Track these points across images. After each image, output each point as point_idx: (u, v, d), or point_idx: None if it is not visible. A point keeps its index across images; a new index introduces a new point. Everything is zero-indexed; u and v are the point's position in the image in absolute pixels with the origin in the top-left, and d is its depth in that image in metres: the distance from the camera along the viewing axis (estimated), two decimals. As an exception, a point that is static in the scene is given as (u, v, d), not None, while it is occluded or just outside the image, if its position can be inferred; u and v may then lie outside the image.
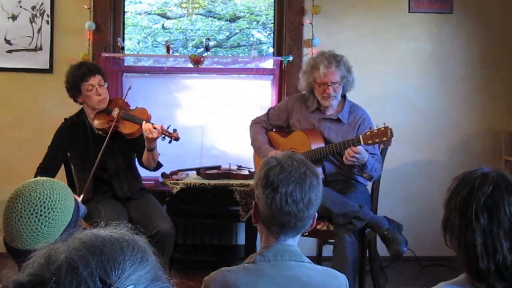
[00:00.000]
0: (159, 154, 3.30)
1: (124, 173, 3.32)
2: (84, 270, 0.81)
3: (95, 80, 3.21)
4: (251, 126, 3.59)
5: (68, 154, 3.35)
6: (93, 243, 0.86)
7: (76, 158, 3.30)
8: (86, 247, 0.86)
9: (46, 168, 3.22)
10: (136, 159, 3.41)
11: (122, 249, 0.87)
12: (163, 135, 3.12)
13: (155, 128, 3.09)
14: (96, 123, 3.25)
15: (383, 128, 2.97)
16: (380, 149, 3.39)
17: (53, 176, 3.17)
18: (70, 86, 3.25)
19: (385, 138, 2.96)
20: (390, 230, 2.98)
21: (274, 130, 3.57)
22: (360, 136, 3.03)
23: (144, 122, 3.13)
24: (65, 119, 3.38)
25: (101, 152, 3.10)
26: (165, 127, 3.13)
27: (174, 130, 3.15)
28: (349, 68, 3.32)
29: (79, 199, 2.94)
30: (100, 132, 3.24)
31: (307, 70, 3.34)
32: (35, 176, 3.11)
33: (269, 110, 3.62)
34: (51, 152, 3.28)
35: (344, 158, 3.07)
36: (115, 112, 3.23)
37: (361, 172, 3.21)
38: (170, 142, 3.17)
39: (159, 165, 3.37)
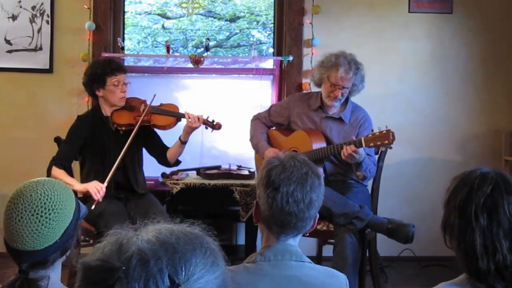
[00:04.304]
0: None
1: (137, 169, 3.38)
2: (155, 265, 0.80)
3: (122, 77, 3.29)
4: (251, 121, 3.62)
5: (82, 148, 3.34)
6: (167, 239, 0.85)
7: (94, 153, 3.30)
8: (159, 241, 0.84)
9: (61, 158, 3.21)
10: (156, 158, 3.47)
11: (195, 250, 0.85)
12: (206, 125, 3.32)
13: (198, 118, 3.26)
14: (119, 118, 3.30)
15: (385, 131, 2.97)
16: (380, 151, 3.40)
17: (68, 166, 3.23)
18: (96, 77, 3.27)
19: (386, 141, 2.96)
20: (392, 222, 2.98)
21: (275, 128, 3.58)
22: (362, 139, 3.04)
23: (184, 114, 3.29)
24: (79, 116, 3.40)
25: (105, 184, 3.09)
26: (205, 118, 3.31)
27: (213, 121, 3.34)
28: (363, 78, 3.35)
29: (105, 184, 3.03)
30: (123, 128, 3.28)
31: (326, 65, 3.33)
32: (49, 167, 3.15)
33: (271, 107, 3.65)
34: (68, 144, 3.27)
35: (342, 153, 3.08)
36: (142, 107, 3.33)
37: (356, 170, 3.23)
38: (212, 131, 3.38)
39: (178, 161, 3.47)
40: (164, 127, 3.36)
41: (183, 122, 3.34)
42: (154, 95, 3.36)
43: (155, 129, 3.42)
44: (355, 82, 3.31)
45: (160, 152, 3.43)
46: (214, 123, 3.34)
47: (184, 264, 0.83)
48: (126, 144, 3.17)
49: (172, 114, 3.35)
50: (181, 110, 3.39)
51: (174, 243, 0.84)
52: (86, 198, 3.19)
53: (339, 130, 3.36)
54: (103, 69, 3.27)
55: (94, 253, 0.85)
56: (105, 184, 3.09)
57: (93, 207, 3.00)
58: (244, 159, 3.99)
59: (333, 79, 3.27)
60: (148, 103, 3.36)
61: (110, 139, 3.30)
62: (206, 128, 3.35)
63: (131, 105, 3.36)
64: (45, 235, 1.46)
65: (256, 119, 3.60)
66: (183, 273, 0.82)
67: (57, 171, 3.15)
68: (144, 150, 3.48)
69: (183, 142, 3.33)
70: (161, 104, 3.42)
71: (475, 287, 1.38)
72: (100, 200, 3.04)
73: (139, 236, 0.85)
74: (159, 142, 3.45)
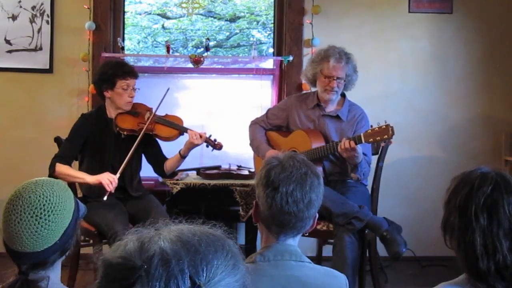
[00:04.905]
0: None
1: (134, 174, 3.37)
2: (176, 265, 0.80)
3: (133, 82, 3.28)
4: (250, 126, 3.61)
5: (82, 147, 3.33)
6: (189, 240, 0.84)
7: (93, 153, 3.29)
8: (181, 242, 0.84)
9: (63, 157, 3.20)
10: (152, 166, 3.47)
11: (216, 252, 0.85)
12: (207, 144, 3.32)
13: (200, 135, 3.24)
14: (123, 122, 3.28)
15: (384, 126, 2.97)
16: (381, 147, 3.40)
17: (70, 163, 3.22)
18: (106, 78, 3.26)
19: (386, 136, 2.97)
20: (389, 231, 2.99)
21: (273, 130, 3.58)
22: (361, 134, 3.04)
23: (187, 129, 3.28)
24: (83, 114, 3.40)
25: (118, 175, 3.13)
26: (207, 136, 3.30)
27: (215, 140, 3.34)
28: (355, 68, 3.37)
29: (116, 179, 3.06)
30: (125, 132, 3.26)
31: (317, 59, 3.36)
32: (52, 164, 3.14)
33: (268, 110, 3.64)
34: (70, 142, 3.27)
35: (339, 146, 3.08)
36: (147, 115, 3.31)
37: (351, 171, 3.24)
38: (212, 150, 3.38)
39: (174, 173, 3.49)
40: (166, 139, 3.35)
41: (185, 136, 3.32)
42: (168, 89, 3.36)
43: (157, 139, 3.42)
44: (348, 72, 3.31)
45: (157, 161, 3.42)
46: (216, 143, 3.34)
47: (205, 266, 0.82)
48: (131, 152, 3.17)
49: (176, 127, 3.34)
50: (185, 123, 3.39)
51: (196, 244, 0.84)
52: (86, 198, 3.19)
53: (336, 127, 3.36)
54: (115, 70, 3.26)
55: (115, 250, 0.85)
56: (118, 175, 3.12)
57: (105, 198, 3.06)
58: (244, 159, 3.99)
59: (326, 71, 3.29)
60: (154, 110, 3.33)
61: (111, 141, 3.29)
62: (207, 146, 3.35)
63: (137, 111, 3.34)
64: (45, 237, 1.46)
65: (255, 123, 3.60)
66: (204, 275, 0.81)
67: (62, 167, 3.15)
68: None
69: (182, 156, 3.32)
70: (166, 115, 3.41)
71: (475, 287, 1.38)
72: (113, 191, 3.08)
73: (161, 236, 0.85)
74: (158, 151, 3.44)
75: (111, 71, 3.26)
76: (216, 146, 3.35)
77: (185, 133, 3.32)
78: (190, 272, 0.80)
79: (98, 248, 3.13)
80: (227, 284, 0.84)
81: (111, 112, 3.32)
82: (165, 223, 0.90)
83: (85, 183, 3.18)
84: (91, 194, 3.23)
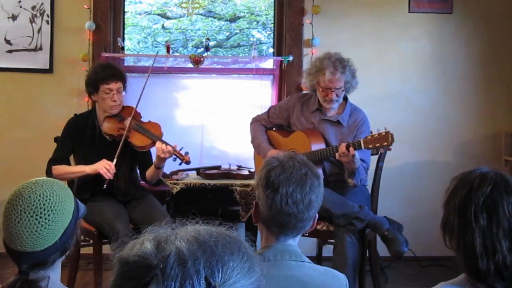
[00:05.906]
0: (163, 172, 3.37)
1: (123, 180, 3.30)
2: (192, 266, 0.80)
3: (115, 85, 3.19)
4: (251, 123, 3.60)
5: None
6: (206, 241, 0.84)
7: (80, 155, 3.30)
8: (198, 242, 0.84)
9: (57, 159, 3.22)
10: (139, 172, 3.42)
11: (232, 254, 0.85)
12: (175, 156, 3.17)
13: (168, 148, 3.12)
14: (106, 126, 3.25)
15: (384, 133, 2.96)
16: (380, 153, 3.39)
17: (65, 164, 3.24)
18: (90, 82, 3.24)
19: (385, 143, 2.95)
20: (390, 231, 2.99)
21: (274, 129, 3.57)
22: (361, 140, 3.03)
23: (158, 140, 3.17)
24: (75, 114, 3.39)
25: (114, 161, 3.12)
26: (178, 148, 3.17)
27: (186, 153, 3.20)
28: (353, 73, 3.30)
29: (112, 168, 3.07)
30: (107, 137, 3.24)
31: (312, 72, 3.32)
32: (48, 168, 3.17)
33: (270, 108, 3.63)
34: (61, 144, 3.29)
35: (336, 154, 3.07)
36: (127, 121, 3.23)
37: (348, 177, 3.23)
38: (180, 164, 3.24)
39: (159, 181, 3.44)
40: (140, 148, 3.24)
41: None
42: (146, 80, 3.31)
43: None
44: (346, 79, 3.26)
45: (143, 168, 3.37)
46: (183, 156, 3.18)
47: (221, 267, 0.82)
48: (115, 158, 3.14)
49: (149, 136, 3.22)
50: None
51: (212, 245, 0.84)
52: (84, 199, 3.18)
53: (336, 132, 3.34)
54: (97, 74, 3.21)
55: (132, 248, 0.85)
56: (114, 161, 3.12)
57: (105, 186, 3.08)
58: (244, 159, 3.99)
59: (323, 84, 3.25)
60: (132, 115, 3.23)
61: (97, 143, 3.27)
62: (174, 160, 3.20)
63: (122, 115, 3.27)
64: (45, 236, 1.46)
65: (256, 121, 3.59)
66: (220, 276, 0.82)
67: (58, 169, 3.18)
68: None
69: (156, 167, 3.23)
70: (147, 122, 3.32)
71: (475, 287, 1.38)
72: (112, 178, 3.09)
73: (178, 236, 0.85)
74: (146, 158, 3.35)
75: (94, 75, 3.23)
76: (183, 159, 3.20)
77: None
78: (206, 273, 0.80)
79: (98, 249, 3.14)
80: (242, 286, 0.84)
81: (100, 115, 3.30)
82: (182, 223, 0.90)
83: (86, 174, 3.17)
84: (83, 195, 3.19)
